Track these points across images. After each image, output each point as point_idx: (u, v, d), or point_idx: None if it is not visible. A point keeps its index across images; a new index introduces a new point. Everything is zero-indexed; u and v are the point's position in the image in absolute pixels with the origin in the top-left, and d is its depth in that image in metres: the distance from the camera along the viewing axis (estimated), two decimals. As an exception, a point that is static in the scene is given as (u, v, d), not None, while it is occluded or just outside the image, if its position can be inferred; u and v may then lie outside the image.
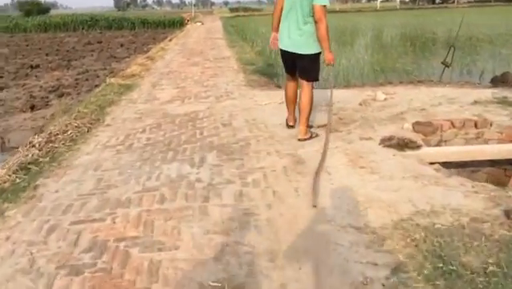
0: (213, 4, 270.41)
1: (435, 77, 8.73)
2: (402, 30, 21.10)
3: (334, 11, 55.33)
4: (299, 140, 4.43)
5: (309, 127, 4.60)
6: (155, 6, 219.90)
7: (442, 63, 8.48)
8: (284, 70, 4.89)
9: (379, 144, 4.25)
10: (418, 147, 4.05)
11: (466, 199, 2.99)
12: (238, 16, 50.45)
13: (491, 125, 4.67)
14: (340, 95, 6.41)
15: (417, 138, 4.36)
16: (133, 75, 9.36)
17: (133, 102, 6.82)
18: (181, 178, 3.62)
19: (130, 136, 4.92)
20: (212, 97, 6.91)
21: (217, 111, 5.98)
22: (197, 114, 5.82)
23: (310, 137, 4.48)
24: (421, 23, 25.14)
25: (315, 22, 4.16)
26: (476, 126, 4.68)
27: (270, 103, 6.35)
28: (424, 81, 7.60)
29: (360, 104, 5.92)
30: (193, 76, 8.92)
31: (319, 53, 4.35)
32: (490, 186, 3.19)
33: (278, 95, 6.67)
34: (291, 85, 4.75)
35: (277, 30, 4.52)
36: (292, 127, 4.84)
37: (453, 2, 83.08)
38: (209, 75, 9.05)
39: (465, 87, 6.82)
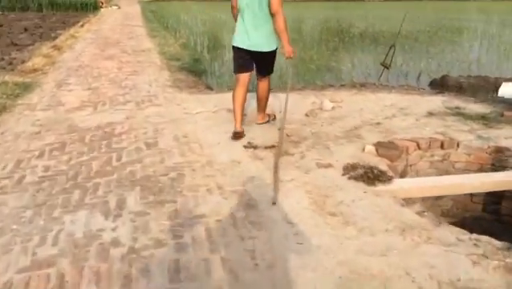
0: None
1: (372, 78, 8.28)
2: (327, 23, 20.87)
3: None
4: (258, 123, 4.71)
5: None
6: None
7: (381, 64, 8.01)
8: (234, 70, 4.56)
9: (343, 174, 3.50)
10: (389, 179, 3.35)
11: (477, 268, 2.30)
12: (158, 0, 48.10)
13: (458, 146, 4.11)
14: (282, 102, 5.63)
15: (383, 164, 3.67)
16: (35, 70, 7.91)
17: (31, 108, 5.53)
18: (90, 240, 2.60)
19: (22, 164, 3.75)
20: (132, 103, 5.80)
21: (138, 123, 4.92)
22: (113, 128, 4.73)
23: (268, 121, 4.80)
24: (343, 17, 25.15)
25: (272, 16, 4.07)
26: (442, 147, 4.11)
27: (203, 112, 5.40)
28: (367, 85, 7.04)
29: (307, 115, 5.17)
30: (108, 73, 7.67)
31: (276, 49, 4.32)
32: (494, 242, 2.54)
33: (211, 101, 5.76)
34: (242, 89, 4.48)
35: None
36: (240, 136, 4.37)
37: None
38: (128, 71, 7.86)
39: (411, 94, 6.34)
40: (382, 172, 3.42)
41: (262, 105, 4.71)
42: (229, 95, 6.24)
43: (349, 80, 7.95)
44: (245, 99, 4.49)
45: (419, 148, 4.03)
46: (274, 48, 4.28)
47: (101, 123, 4.88)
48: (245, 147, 4.17)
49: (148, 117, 5.17)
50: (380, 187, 3.27)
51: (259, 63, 4.40)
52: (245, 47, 4.23)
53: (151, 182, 3.38)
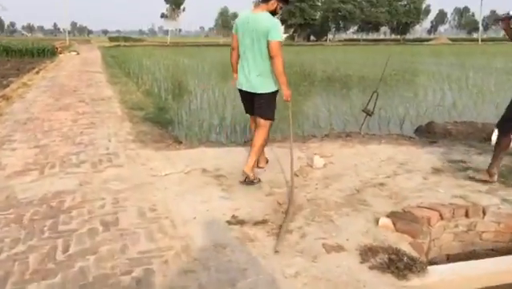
0: (90, 32, 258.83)
1: (352, 126, 7.71)
2: (293, 68, 20.65)
3: (218, 45, 55.20)
4: (244, 171, 4.21)
5: (255, 164, 4.38)
6: (25, 33, 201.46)
7: (363, 111, 7.42)
8: (244, 111, 4.66)
9: (362, 261, 2.72)
10: (423, 268, 2.60)
11: None
12: (119, 46, 47.48)
13: (484, 213, 3.43)
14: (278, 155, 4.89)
15: (405, 243, 2.93)
16: (-26, 125, 6.87)
17: (-38, 175, 4.53)
18: None
19: None
20: (87, 163, 4.90)
21: (94, 191, 4.02)
22: (61, 200, 3.81)
23: (253, 181, 4.19)
24: (307, 61, 25.17)
25: (271, 58, 4.05)
26: (467, 215, 3.41)
27: (173, 173, 4.56)
28: (352, 134, 6.42)
29: (296, 175, 4.42)
30: (60, 127, 6.74)
31: (276, 91, 4.24)
32: None
33: (181, 159, 4.94)
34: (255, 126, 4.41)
35: (237, 71, 4.37)
36: (251, 182, 4.21)
37: (326, 40, 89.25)
38: (84, 124, 6.95)
39: (404, 144, 5.74)
40: (412, 259, 2.66)
41: (252, 152, 4.27)
42: (202, 150, 5.50)
43: (329, 129, 7.33)
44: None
45: (441, 218, 3.32)
46: (270, 91, 4.18)
47: (47, 193, 3.95)
48: (229, 223, 3.35)
49: (106, 182, 4.28)
50: (415, 281, 2.50)
51: (255, 104, 4.28)
52: (243, 88, 4.27)
53: (108, 288, 2.48)
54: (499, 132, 3.98)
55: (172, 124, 7.74)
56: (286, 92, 4.16)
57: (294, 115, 5.05)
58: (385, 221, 3.18)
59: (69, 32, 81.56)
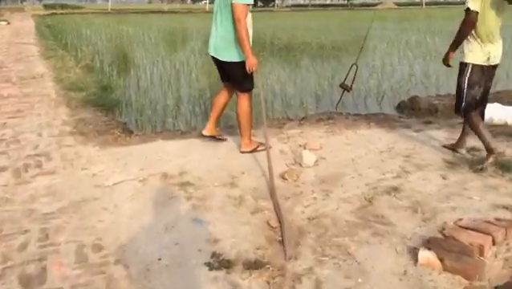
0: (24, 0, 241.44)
1: (326, 103, 6.85)
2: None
3: (163, 12, 52.53)
4: (241, 152, 4.05)
5: (250, 138, 4.13)
6: None
7: (341, 86, 6.52)
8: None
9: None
10: None
11: None
12: (55, 14, 43.83)
13: (537, 229, 2.64)
14: (224, 151, 3.93)
15: (461, 289, 2.09)
16: None
17: None
18: None
19: None
20: (7, 171, 3.74)
21: (13, 220, 2.92)
22: (-37, 238, 2.68)
23: (255, 149, 4.06)
24: (259, 28, 23.79)
25: (234, 23, 3.72)
26: (518, 233, 2.61)
27: (125, 181, 3.50)
28: (333, 115, 5.53)
29: (285, 178, 3.49)
30: (-25, 118, 5.41)
31: (244, 61, 3.82)
32: None
33: (135, 158, 3.92)
34: (223, 91, 4.27)
35: None
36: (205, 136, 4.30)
37: (273, 5, 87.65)
38: (8, 113, 5.65)
39: (396, 126, 4.92)
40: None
41: (240, 129, 4.13)
42: (159, 144, 4.44)
43: (303, 108, 6.40)
44: (223, 103, 4.29)
45: (493, 243, 2.50)
46: (234, 60, 3.88)
47: None
48: (209, 267, 2.38)
49: (33, 201, 3.18)
50: None
51: (226, 73, 4.08)
52: (211, 54, 4.04)
53: None
54: (465, 115, 3.72)
55: (120, 107, 6.54)
56: (249, 61, 3.77)
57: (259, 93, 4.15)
58: (427, 255, 2.31)
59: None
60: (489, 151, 3.59)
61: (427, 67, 10.14)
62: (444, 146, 4.10)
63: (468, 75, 3.56)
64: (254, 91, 4.10)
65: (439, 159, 3.83)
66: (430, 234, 2.58)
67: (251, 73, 3.87)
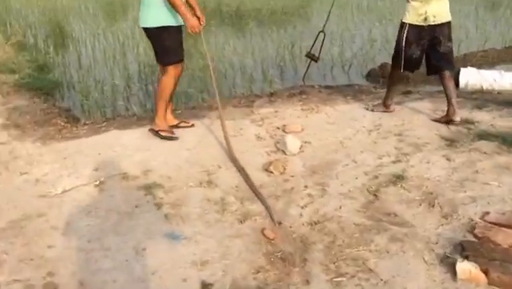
0: None
1: (289, 75, 6.34)
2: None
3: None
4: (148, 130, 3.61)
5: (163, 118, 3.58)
6: None
7: (307, 56, 6.02)
8: None
9: None
10: None
11: None
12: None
13: None
14: (193, 140, 3.38)
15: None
16: None
17: None
18: None
19: None
20: None
21: None
22: None
23: (166, 132, 3.55)
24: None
25: None
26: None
27: (76, 187, 2.87)
28: (306, 90, 5.05)
29: (270, 171, 2.99)
30: None
31: (163, 28, 3.30)
32: None
33: (87, 155, 3.28)
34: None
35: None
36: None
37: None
38: None
39: (372, 99, 4.48)
40: None
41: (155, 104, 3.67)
42: (114, 135, 3.78)
43: (268, 82, 5.85)
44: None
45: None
46: (149, 26, 3.34)
47: None
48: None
49: (-41, 225, 2.49)
50: None
51: None
52: None
53: None
54: (393, 65, 3.92)
55: (61, 90, 5.72)
56: (189, 23, 3.30)
57: (205, 66, 3.73)
58: (468, 267, 1.90)
59: None
60: (386, 106, 3.94)
61: (385, 32, 9.78)
62: (436, 120, 3.73)
63: (405, 34, 3.64)
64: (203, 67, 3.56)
65: (434, 136, 3.45)
66: (458, 234, 2.19)
67: (176, 43, 3.38)
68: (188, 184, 2.87)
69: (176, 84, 3.57)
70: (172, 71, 3.41)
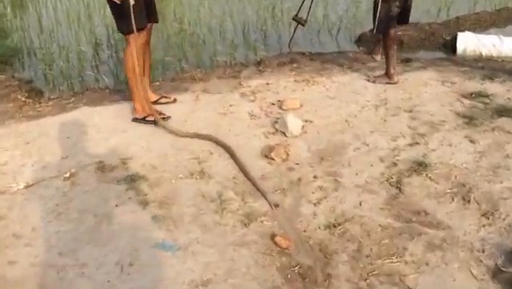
0: None
1: (275, 39, 5.83)
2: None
3: None
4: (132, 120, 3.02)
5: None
6: None
7: (294, 19, 5.52)
8: None
9: None
10: None
11: None
12: None
13: None
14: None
15: None
16: None
17: None
18: None
19: None
20: None
21: None
22: None
23: (144, 118, 3.00)
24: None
25: None
26: None
27: (40, 183, 2.40)
28: (296, 58, 4.59)
29: (271, 158, 2.58)
30: None
31: None
32: None
33: (53, 139, 2.77)
34: None
35: None
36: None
37: None
38: None
39: (373, 69, 4.08)
40: None
41: None
42: (84, 114, 3.26)
43: (251, 48, 5.33)
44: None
45: None
46: None
47: None
48: None
49: None
50: None
51: None
52: None
53: None
54: (380, 34, 3.66)
55: (20, 58, 5.08)
56: None
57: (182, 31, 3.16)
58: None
59: None
60: (389, 76, 3.62)
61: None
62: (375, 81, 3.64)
63: None
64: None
65: (449, 112, 3.10)
66: (505, 239, 1.85)
67: (137, 7, 2.72)
68: (178, 175, 2.43)
69: (145, 55, 3.02)
70: (132, 41, 2.79)
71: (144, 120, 3.00)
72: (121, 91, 3.74)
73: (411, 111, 3.12)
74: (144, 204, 2.20)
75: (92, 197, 2.27)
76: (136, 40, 2.80)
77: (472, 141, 2.67)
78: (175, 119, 3.07)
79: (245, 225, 2.03)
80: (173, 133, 2.81)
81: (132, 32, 2.75)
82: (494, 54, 4.58)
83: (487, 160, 2.45)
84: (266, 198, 2.20)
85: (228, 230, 2.01)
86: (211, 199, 2.23)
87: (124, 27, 2.81)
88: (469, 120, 2.95)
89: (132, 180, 2.40)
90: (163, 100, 3.33)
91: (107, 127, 3.00)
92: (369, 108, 3.19)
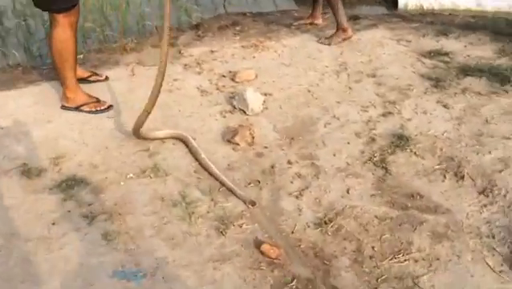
0: None
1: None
2: None
3: None
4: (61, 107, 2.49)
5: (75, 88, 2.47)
6: None
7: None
8: None
9: None
10: None
11: None
12: None
13: None
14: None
15: None
16: None
17: None
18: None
19: None
20: None
21: None
22: None
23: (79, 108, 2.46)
24: None
25: None
26: None
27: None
28: (236, 19, 4.17)
29: (235, 143, 2.23)
30: None
31: None
32: None
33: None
34: None
35: None
36: None
37: None
38: None
39: (319, 28, 3.78)
40: None
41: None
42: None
43: (182, 10, 4.80)
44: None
45: None
46: None
47: None
48: None
49: None
50: None
51: None
52: None
53: None
54: None
55: None
56: None
57: None
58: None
59: None
60: (344, 30, 3.35)
61: None
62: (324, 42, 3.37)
63: None
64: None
65: (413, 74, 2.89)
66: (513, 220, 1.67)
67: None
68: (126, 174, 2.02)
69: (75, 36, 2.46)
70: (63, 20, 2.28)
71: (78, 110, 2.50)
72: (37, 68, 3.15)
73: (374, 76, 2.88)
74: (90, 218, 1.78)
75: (20, 215, 1.80)
76: (68, 18, 2.26)
77: (445, 106, 2.48)
78: (110, 99, 2.59)
79: (222, 232, 1.70)
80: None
81: (64, 9, 2.22)
82: (436, 7, 4.45)
83: (467, 128, 2.27)
84: (237, 196, 1.87)
85: (202, 242, 1.66)
86: (173, 202, 1.85)
87: (53, 1, 2.23)
88: (436, 82, 2.76)
89: (69, 186, 1.94)
90: (93, 78, 2.82)
91: (26, 116, 2.47)
92: (330, 75, 2.90)
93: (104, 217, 1.78)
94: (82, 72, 2.77)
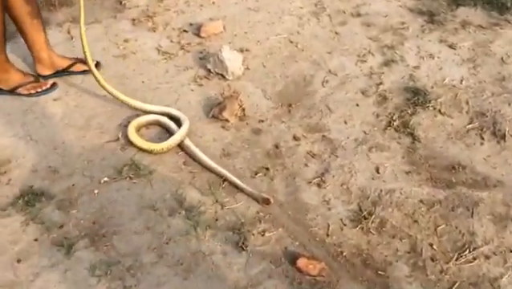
0: None
1: None
2: None
3: None
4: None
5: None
6: None
7: None
8: None
9: None
10: None
11: None
12: None
13: None
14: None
15: None
16: None
17: None
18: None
19: None
20: None
21: None
22: None
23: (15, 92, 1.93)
24: None
25: None
26: None
27: None
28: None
29: (225, 120, 1.83)
30: None
31: None
32: None
33: None
34: None
35: None
36: None
37: None
38: None
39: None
40: None
41: None
42: None
43: None
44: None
45: None
46: None
47: None
48: None
49: None
50: None
51: None
52: None
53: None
54: None
55: None
56: None
57: None
58: None
59: None
60: None
61: None
62: None
63: None
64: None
65: (401, 9, 2.55)
66: None
67: None
68: (99, 178, 1.58)
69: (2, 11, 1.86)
70: None
71: (14, 93, 1.95)
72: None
73: (359, 15, 2.51)
74: (66, 246, 1.36)
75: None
76: None
77: (451, 47, 2.19)
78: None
79: (241, 246, 1.35)
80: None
81: None
82: None
83: (485, 72, 2.00)
84: (247, 194, 1.51)
85: (220, 264, 1.31)
86: (169, 211, 1.46)
87: None
88: (429, 16, 2.45)
89: (27, 203, 1.49)
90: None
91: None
92: (309, 18, 2.49)
93: (84, 244, 1.37)
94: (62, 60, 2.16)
